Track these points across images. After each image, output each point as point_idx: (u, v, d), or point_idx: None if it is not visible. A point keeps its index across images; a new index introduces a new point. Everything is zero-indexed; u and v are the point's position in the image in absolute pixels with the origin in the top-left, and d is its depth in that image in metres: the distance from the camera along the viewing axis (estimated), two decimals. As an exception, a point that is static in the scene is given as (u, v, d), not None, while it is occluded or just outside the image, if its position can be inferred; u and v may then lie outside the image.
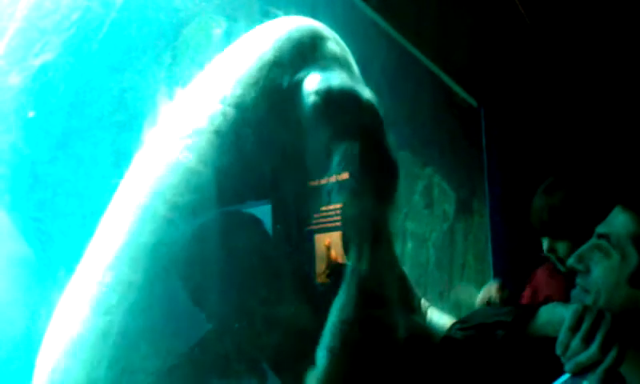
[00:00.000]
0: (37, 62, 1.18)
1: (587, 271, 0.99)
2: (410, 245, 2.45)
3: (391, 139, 1.31)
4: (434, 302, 1.50)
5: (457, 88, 2.73)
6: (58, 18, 1.20)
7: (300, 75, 1.26)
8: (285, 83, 1.25)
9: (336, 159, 1.23)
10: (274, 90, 1.24)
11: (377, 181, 1.26)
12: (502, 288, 1.67)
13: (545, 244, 1.51)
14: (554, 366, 0.91)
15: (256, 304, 1.21)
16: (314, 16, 1.37)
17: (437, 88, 2.58)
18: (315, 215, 1.29)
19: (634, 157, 2.44)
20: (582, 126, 2.76)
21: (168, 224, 1.16)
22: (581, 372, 0.84)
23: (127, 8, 1.27)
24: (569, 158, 2.60)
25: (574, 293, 1.02)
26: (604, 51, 2.69)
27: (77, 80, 1.25)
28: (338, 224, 1.25)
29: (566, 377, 0.96)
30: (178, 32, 1.39)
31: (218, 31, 1.40)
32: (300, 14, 1.37)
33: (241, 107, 1.21)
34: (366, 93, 1.31)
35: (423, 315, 1.45)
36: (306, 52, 1.29)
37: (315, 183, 1.28)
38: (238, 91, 1.22)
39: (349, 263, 1.20)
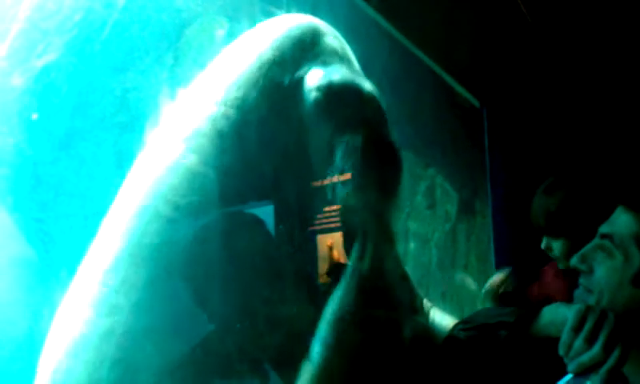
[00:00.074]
0: (39, 63, 1.18)
1: (590, 271, 0.99)
2: (412, 245, 2.44)
3: (394, 131, 1.30)
4: (437, 303, 1.50)
5: (459, 88, 2.73)
6: (60, 19, 1.21)
7: (301, 72, 1.26)
8: (286, 81, 1.25)
9: (339, 154, 1.22)
10: (275, 88, 1.24)
11: (380, 173, 1.25)
12: (511, 276, 1.69)
13: (543, 242, 1.52)
14: (556, 367, 0.91)
15: (258, 304, 1.21)
16: (316, 16, 1.36)
17: (439, 88, 2.58)
18: (318, 216, 1.29)
19: (637, 157, 2.43)
20: (584, 126, 2.75)
21: (170, 225, 1.16)
22: (584, 372, 0.83)
23: (129, 9, 1.27)
24: (571, 158, 2.59)
25: (577, 293, 1.02)
26: (606, 51, 2.68)
27: (79, 81, 1.26)
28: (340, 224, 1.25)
29: (568, 377, 0.96)
30: (180, 33, 1.39)
31: (220, 32, 1.40)
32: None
33: (242, 108, 1.21)
34: (368, 85, 1.30)
35: (426, 316, 1.45)
36: (306, 48, 1.29)
37: (318, 183, 1.28)
38: (239, 92, 1.22)
39: (350, 262, 1.20)
